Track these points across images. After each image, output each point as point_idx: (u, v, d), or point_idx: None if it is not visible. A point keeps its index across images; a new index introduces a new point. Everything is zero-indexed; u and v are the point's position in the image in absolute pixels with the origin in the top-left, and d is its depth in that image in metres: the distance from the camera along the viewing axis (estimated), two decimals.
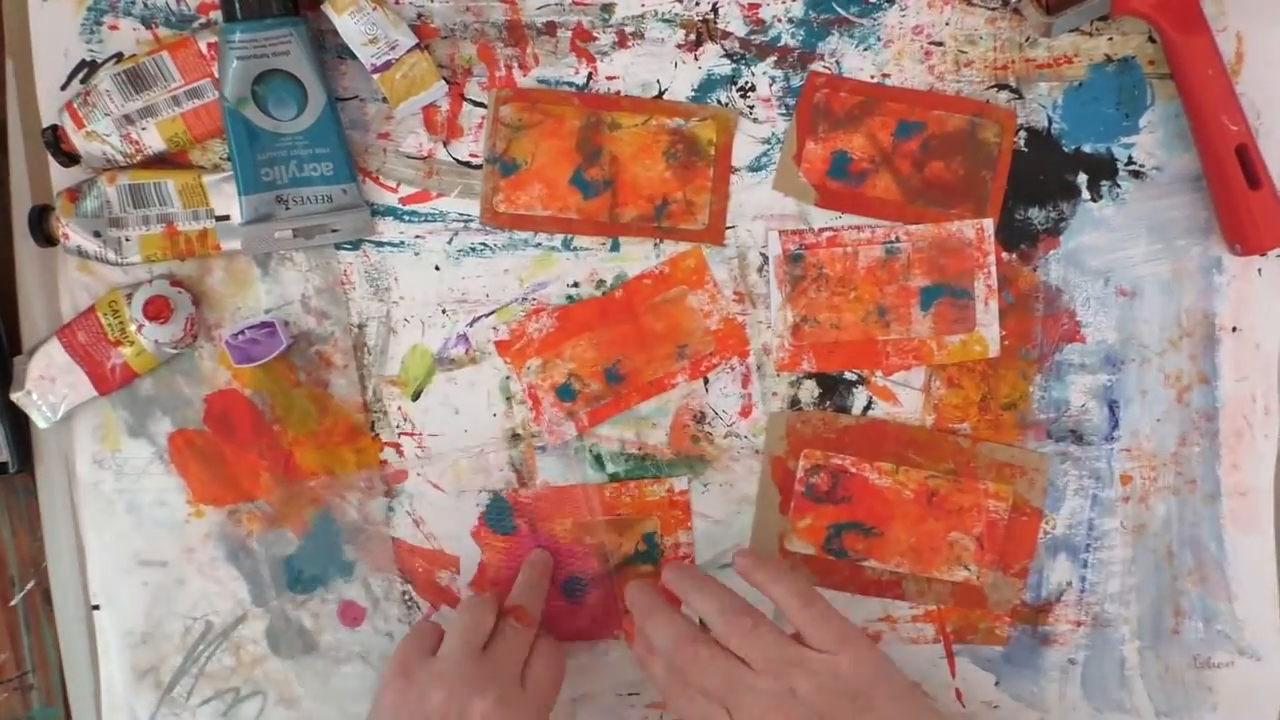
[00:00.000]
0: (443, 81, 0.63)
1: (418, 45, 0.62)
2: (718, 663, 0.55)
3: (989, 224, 0.64)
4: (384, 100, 0.63)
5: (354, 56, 0.62)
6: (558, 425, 0.67)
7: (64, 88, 0.65)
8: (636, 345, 0.66)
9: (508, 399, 0.67)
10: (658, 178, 0.65)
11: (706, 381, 0.66)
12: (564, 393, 0.66)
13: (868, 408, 0.66)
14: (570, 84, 0.64)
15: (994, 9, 0.63)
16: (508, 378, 0.67)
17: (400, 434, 0.67)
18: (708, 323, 0.66)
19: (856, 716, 0.53)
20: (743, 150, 0.65)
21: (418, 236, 0.66)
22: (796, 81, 0.64)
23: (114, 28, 0.64)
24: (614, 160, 0.64)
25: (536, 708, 0.59)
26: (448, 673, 0.58)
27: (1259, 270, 0.65)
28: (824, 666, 0.54)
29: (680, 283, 0.66)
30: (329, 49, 0.63)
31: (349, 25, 0.61)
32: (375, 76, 0.62)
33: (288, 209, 0.64)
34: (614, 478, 0.67)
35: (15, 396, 0.66)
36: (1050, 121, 0.64)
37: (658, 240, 0.65)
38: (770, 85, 0.64)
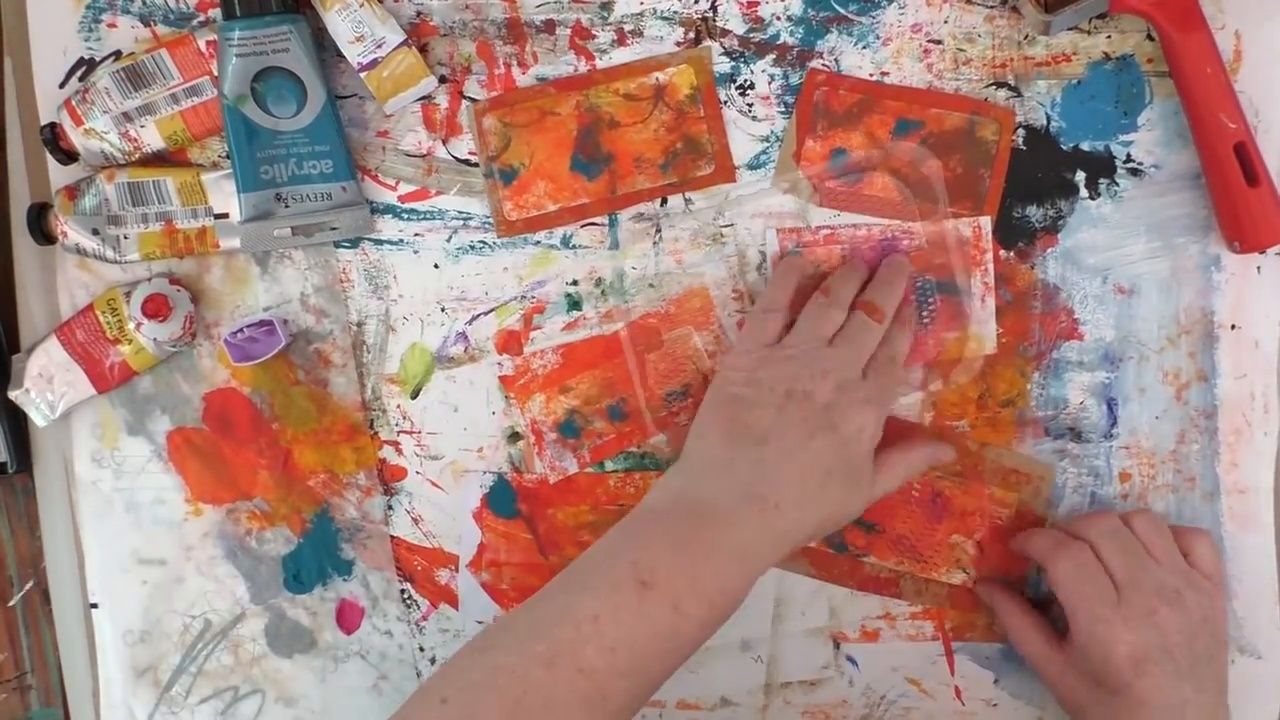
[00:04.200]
0: (433, 78, 0.63)
1: (405, 42, 0.62)
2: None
3: (986, 222, 0.64)
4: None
5: None
6: (559, 461, 0.67)
7: (62, 85, 0.65)
8: (640, 384, 0.66)
9: (507, 398, 0.67)
10: (652, 137, 0.65)
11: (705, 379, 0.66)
12: (567, 429, 0.67)
13: None
14: None
15: (992, 7, 0.63)
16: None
17: (399, 432, 0.67)
18: (712, 364, 0.66)
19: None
20: (742, 148, 0.65)
21: (417, 234, 0.66)
22: (795, 79, 0.64)
23: (112, 25, 0.64)
24: (607, 135, 0.64)
25: (877, 398, 0.59)
26: (795, 356, 0.59)
27: (1258, 268, 0.65)
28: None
29: (685, 323, 0.66)
30: (328, 46, 0.63)
31: (336, 22, 0.61)
32: (362, 75, 0.62)
33: (287, 207, 0.64)
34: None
35: (14, 395, 0.65)
36: (1049, 120, 0.64)
37: (664, 217, 0.65)
38: (769, 83, 0.64)
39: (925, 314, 0.65)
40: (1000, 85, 0.64)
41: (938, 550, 0.67)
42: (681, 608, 0.53)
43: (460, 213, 0.66)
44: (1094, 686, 0.60)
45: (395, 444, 0.67)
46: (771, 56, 0.64)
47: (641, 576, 0.53)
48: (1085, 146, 0.64)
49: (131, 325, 0.64)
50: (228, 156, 0.64)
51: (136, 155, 0.64)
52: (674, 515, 0.56)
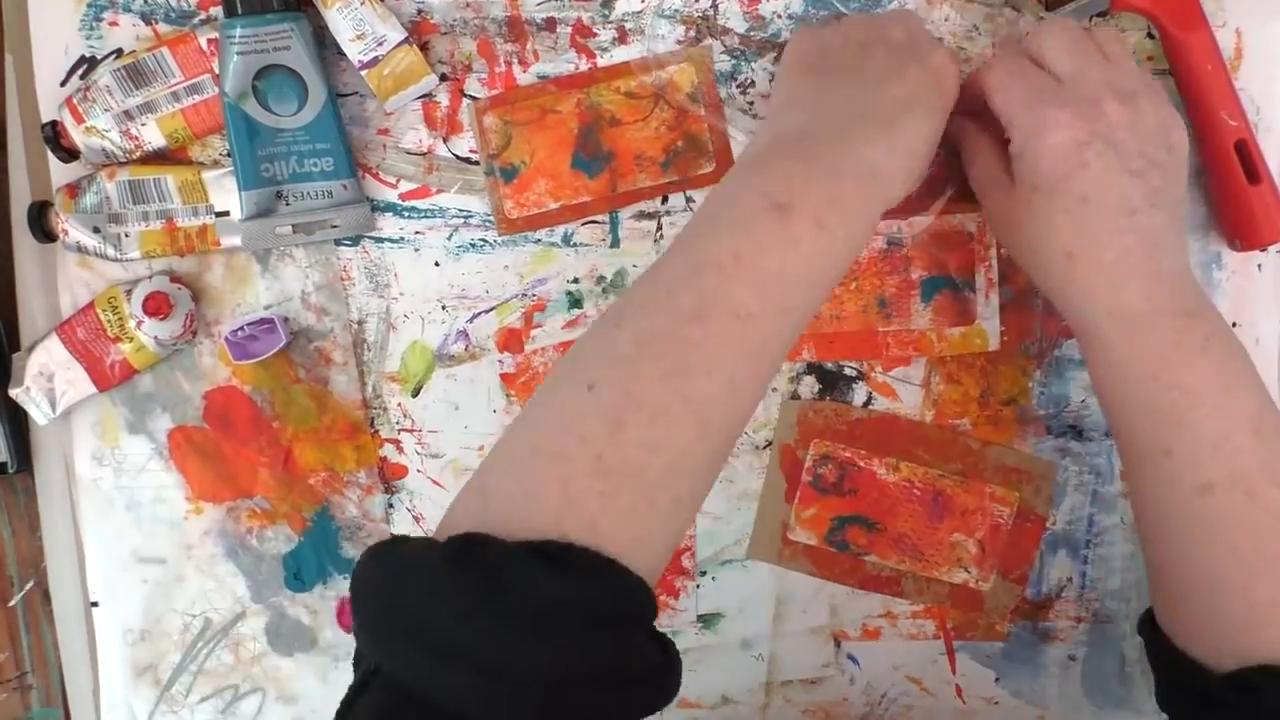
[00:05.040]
0: (433, 75, 0.63)
1: (406, 40, 0.62)
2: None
3: None
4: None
5: None
6: None
7: (64, 83, 0.65)
8: None
9: (508, 395, 0.67)
10: (653, 135, 0.64)
11: None
12: None
13: (867, 403, 0.66)
14: None
15: (993, 5, 0.63)
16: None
17: (400, 430, 0.67)
18: None
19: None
20: (743, 146, 0.65)
21: (417, 232, 0.66)
22: None
23: (114, 24, 0.64)
24: (608, 132, 0.64)
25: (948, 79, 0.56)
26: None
27: (1259, 266, 0.65)
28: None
29: None
30: (329, 44, 0.63)
31: (337, 20, 0.61)
32: (362, 73, 0.62)
33: (288, 205, 0.64)
34: None
35: (14, 393, 0.65)
36: None
37: (665, 215, 0.65)
38: (770, 81, 0.64)
39: None
40: None
41: (939, 549, 0.67)
42: (825, 224, 0.48)
43: (461, 211, 0.66)
44: (1032, 193, 0.53)
45: (396, 442, 0.67)
46: (773, 54, 0.64)
47: (777, 200, 0.48)
48: None
49: (132, 323, 0.64)
50: (229, 154, 0.64)
51: (137, 153, 0.64)
52: (788, 143, 0.51)
